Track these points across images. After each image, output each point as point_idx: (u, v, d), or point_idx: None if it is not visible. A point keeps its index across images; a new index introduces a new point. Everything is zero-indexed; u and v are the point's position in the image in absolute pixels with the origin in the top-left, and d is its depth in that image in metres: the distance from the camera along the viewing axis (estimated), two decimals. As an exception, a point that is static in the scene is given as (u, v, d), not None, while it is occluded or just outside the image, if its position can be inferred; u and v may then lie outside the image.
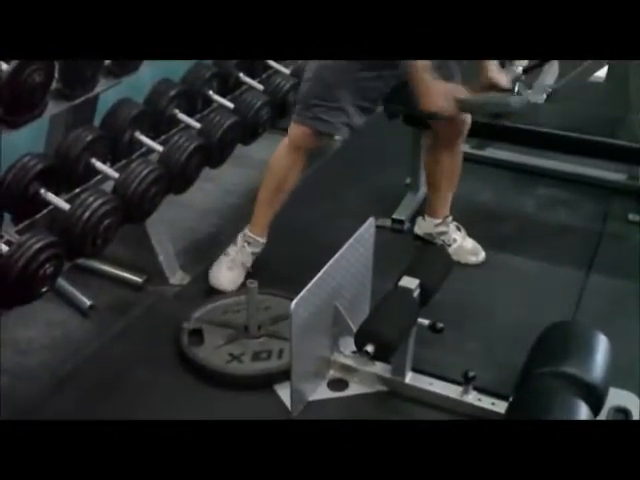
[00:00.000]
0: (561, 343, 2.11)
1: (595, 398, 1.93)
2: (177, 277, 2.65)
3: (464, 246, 2.81)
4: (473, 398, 2.10)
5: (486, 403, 2.09)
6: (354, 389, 2.19)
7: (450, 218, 2.84)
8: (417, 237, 2.90)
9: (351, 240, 2.14)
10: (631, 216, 3.12)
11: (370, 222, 2.23)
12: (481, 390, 2.12)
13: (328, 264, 2.03)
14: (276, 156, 2.62)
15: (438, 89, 2.32)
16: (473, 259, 2.80)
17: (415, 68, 2.27)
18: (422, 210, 2.94)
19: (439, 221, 2.83)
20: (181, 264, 2.69)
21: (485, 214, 3.11)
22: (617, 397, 2.10)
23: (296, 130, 2.54)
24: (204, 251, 2.78)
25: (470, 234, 2.85)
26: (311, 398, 2.15)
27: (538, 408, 1.84)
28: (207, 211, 3.10)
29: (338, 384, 2.20)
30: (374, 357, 1.89)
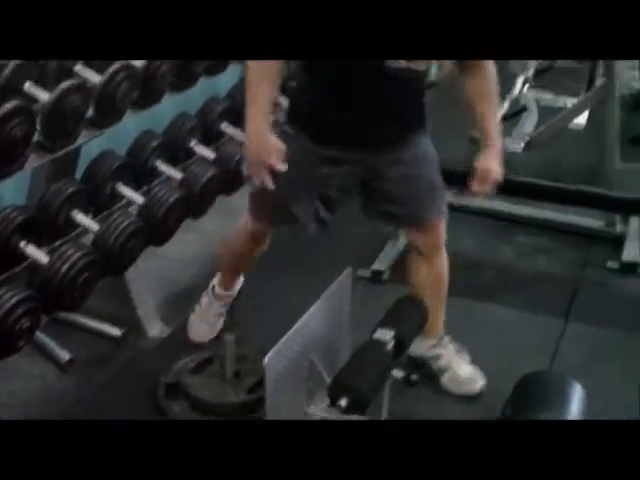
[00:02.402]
0: (536, 392, 2.13)
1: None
2: (157, 329, 2.65)
3: (459, 374, 2.44)
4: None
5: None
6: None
7: (447, 338, 2.49)
8: (412, 359, 2.44)
9: (327, 292, 2.16)
10: (610, 263, 3.16)
11: (347, 273, 2.24)
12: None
13: (303, 317, 2.04)
14: (238, 228, 2.48)
15: (260, 149, 2.03)
16: (467, 389, 2.43)
17: (248, 111, 2.04)
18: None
19: (434, 342, 2.45)
20: (161, 316, 2.70)
21: (465, 263, 3.14)
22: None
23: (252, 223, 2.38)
24: (185, 303, 2.79)
25: (450, 283, 2.86)
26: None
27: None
28: (188, 262, 3.12)
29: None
30: (347, 410, 1.89)
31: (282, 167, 2.01)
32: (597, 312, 2.87)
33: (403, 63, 1.99)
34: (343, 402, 1.87)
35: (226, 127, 3.09)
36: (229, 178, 2.90)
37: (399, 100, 2.11)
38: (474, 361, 2.49)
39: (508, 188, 3.06)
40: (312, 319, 2.09)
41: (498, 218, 3.45)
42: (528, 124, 3.51)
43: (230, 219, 3.27)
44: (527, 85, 3.64)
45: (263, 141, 2.03)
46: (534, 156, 3.37)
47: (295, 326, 2.01)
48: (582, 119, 3.71)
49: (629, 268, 3.12)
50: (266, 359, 1.89)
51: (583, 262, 3.20)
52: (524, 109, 3.45)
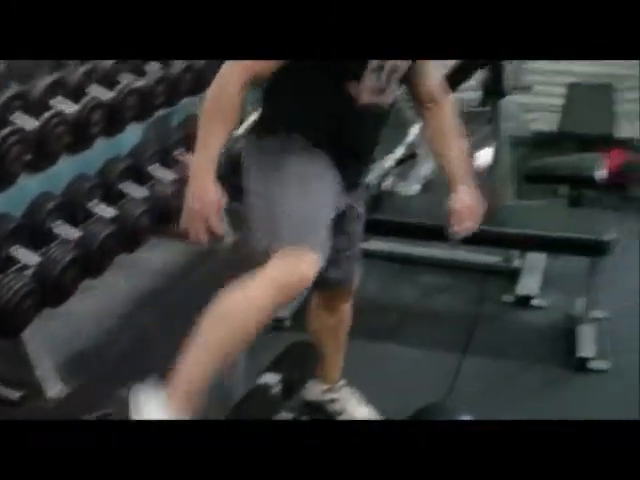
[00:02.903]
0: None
1: None
2: (56, 390, 2.63)
3: (354, 417, 2.41)
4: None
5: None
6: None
7: (342, 382, 2.45)
8: (307, 404, 2.42)
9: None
10: (505, 297, 3.28)
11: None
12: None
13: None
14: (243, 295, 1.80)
15: (203, 202, 1.80)
16: None
17: (196, 156, 1.87)
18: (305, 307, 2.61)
19: (327, 386, 2.42)
20: (61, 376, 2.69)
21: (366, 305, 3.21)
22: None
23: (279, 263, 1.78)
24: (85, 362, 2.79)
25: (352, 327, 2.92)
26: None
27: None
28: (89, 319, 3.12)
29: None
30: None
31: (219, 230, 1.83)
32: (493, 345, 2.98)
33: (373, 98, 1.94)
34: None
35: (126, 186, 3.15)
36: (129, 236, 2.95)
37: (366, 136, 2.04)
38: (371, 402, 2.54)
39: (405, 231, 3.21)
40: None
41: (398, 260, 3.55)
42: (425, 168, 3.65)
43: (134, 275, 3.32)
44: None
45: (207, 192, 1.81)
46: (431, 198, 3.49)
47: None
48: (487, 160, 3.85)
49: (523, 301, 3.25)
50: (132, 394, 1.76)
51: (480, 297, 3.31)
52: (414, 155, 3.57)
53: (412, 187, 3.43)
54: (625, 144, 4.63)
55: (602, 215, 3.07)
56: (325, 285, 2.14)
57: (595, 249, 2.85)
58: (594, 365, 2.81)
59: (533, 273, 3.41)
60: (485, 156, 3.75)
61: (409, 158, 3.51)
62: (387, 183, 3.23)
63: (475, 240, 3.16)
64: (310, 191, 1.88)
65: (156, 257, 2.94)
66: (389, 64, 1.89)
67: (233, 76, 1.83)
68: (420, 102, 2.16)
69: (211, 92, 1.87)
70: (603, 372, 2.80)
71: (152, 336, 2.75)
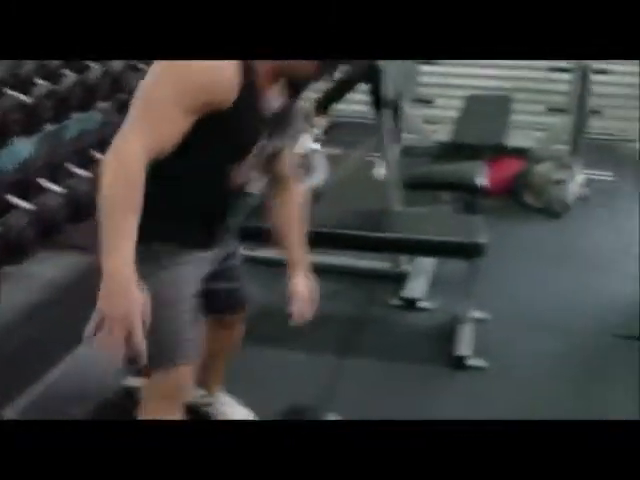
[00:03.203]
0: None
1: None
2: None
3: (232, 417, 2.51)
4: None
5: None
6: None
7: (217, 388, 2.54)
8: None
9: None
10: (392, 300, 3.38)
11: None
12: None
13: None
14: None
15: (124, 302, 1.55)
16: None
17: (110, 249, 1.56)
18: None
19: (204, 392, 2.51)
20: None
21: (258, 312, 3.26)
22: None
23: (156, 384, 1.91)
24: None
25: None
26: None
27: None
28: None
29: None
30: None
31: (141, 345, 1.57)
32: (377, 347, 3.06)
33: (245, 178, 1.90)
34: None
35: (12, 197, 3.14)
36: (11, 247, 2.95)
37: (233, 207, 2.02)
38: (251, 404, 2.59)
39: None
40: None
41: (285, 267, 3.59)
42: (316, 177, 3.74)
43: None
44: (316, 141, 3.89)
45: (130, 301, 1.56)
46: (323, 207, 3.57)
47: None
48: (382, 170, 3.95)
49: (409, 304, 3.35)
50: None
51: (368, 301, 3.41)
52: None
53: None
54: (521, 153, 4.83)
55: (476, 219, 3.17)
56: (219, 314, 2.29)
57: (469, 251, 2.96)
58: (472, 363, 2.92)
59: (420, 277, 3.52)
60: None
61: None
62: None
63: (360, 245, 3.29)
64: (174, 303, 1.85)
65: (46, 270, 2.92)
66: (269, 146, 1.88)
67: (134, 159, 1.57)
68: (274, 185, 2.13)
69: (109, 180, 1.56)
70: (481, 370, 2.90)
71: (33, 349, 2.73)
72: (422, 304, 3.35)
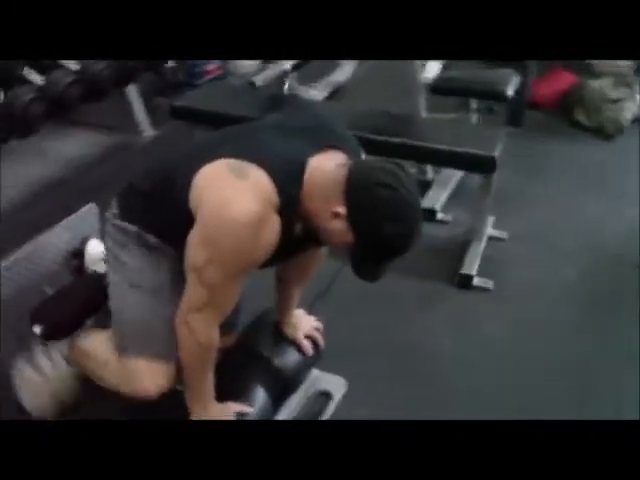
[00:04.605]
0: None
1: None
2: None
3: None
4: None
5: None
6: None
7: None
8: None
9: (66, 220, 2.16)
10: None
11: (90, 206, 2.25)
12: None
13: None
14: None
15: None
16: None
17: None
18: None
19: None
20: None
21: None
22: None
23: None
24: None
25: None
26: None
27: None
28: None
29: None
30: (44, 337, 1.91)
31: None
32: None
33: None
34: (37, 329, 1.90)
35: (27, 71, 3.07)
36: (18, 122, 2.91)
37: None
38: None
39: None
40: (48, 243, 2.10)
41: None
42: (340, 74, 3.51)
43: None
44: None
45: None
46: (342, 105, 3.38)
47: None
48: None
49: (428, 214, 3.16)
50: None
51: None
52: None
53: (320, 92, 3.31)
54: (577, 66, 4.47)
55: (497, 132, 2.91)
56: None
57: (479, 164, 2.76)
58: (477, 283, 2.77)
59: (442, 188, 3.34)
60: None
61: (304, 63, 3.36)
62: (287, 85, 3.11)
63: (371, 149, 3.08)
64: (155, 296, 1.78)
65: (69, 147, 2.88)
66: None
67: (210, 339, 1.69)
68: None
69: (188, 354, 1.71)
70: (486, 290, 2.75)
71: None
72: (439, 216, 3.19)
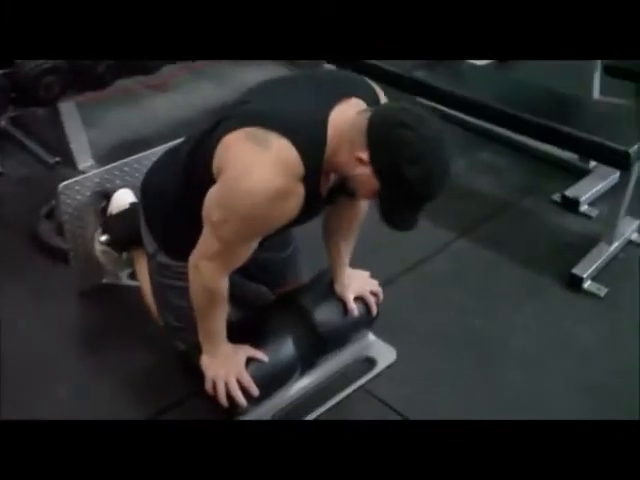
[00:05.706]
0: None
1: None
2: (86, 164, 2.99)
3: None
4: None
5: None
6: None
7: None
8: None
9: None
10: (554, 196, 3.07)
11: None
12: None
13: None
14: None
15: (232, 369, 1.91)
16: None
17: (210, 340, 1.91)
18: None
19: None
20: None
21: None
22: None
23: None
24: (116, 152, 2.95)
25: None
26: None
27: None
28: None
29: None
30: (109, 245, 2.23)
31: (236, 392, 1.90)
32: (504, 235, 2.84)
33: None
34: (103, 238, 2.22)
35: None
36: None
37: None
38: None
39: (470, 109, 2.96)
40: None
41: (467, 129, 3.40)
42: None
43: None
44: None
45: (226, 362, 1.91)
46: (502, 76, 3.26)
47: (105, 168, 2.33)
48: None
49: (569, 204, 3.01)
50: (60, 186, 2.21)
51: (529, 187, 3.13)
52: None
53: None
54: None
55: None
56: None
57: (615, 159, 2.54)
58: (588, 287, 2.60)
59: (599, 180, 3.10)
60: None
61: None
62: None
63: (549, 138, 2.88)
64: None
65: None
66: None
67: (220, 286, 1.78)
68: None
69: (198, 297, 1.81)
70: (596, 297, 2.55)
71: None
72: (583, 208, 3.00)
